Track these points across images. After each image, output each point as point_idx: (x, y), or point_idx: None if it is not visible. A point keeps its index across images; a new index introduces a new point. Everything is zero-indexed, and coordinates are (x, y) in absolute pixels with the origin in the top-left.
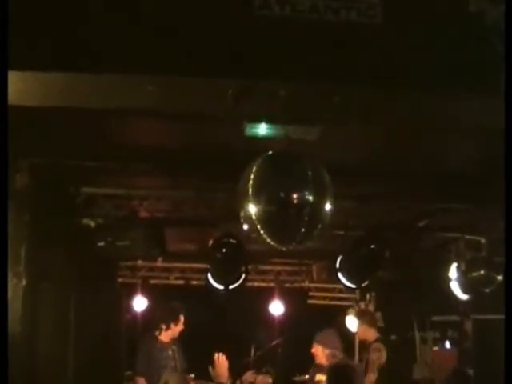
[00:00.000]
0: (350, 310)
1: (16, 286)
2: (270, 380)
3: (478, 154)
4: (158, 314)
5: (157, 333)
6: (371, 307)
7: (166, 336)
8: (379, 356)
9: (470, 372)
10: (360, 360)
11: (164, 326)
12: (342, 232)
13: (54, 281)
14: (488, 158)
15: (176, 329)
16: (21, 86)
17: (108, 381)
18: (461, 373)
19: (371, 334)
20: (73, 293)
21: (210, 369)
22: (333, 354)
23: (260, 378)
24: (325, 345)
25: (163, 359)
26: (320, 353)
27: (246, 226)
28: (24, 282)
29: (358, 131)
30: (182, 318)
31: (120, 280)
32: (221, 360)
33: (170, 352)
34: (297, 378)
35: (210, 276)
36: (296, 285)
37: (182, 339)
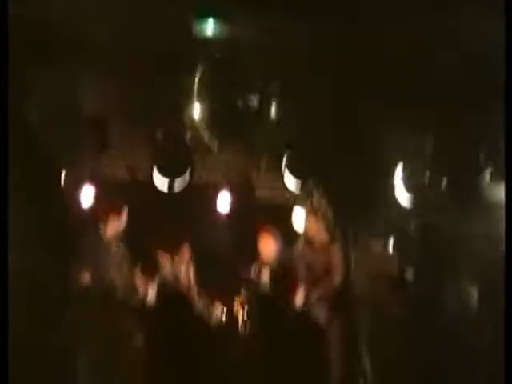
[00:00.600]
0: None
1: None
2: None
3: None
4: (100, 210)
5: (101, 229)
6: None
7: (109, 232)
8: None
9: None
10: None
11: (107, 222)
12: (286, 129)
13: None
14: None
15: (118, 224)
16: None
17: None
18: None
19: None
20: (15, 188)
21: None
22: None
23: None
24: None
25: (108, 255)
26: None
27: (189, 126)
28: None
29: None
30: (123, 214)
31: (66, 170)
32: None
33: (115, 248)
34: None
35: (155, 170)
36: (243, 178)
37: (127, 235)
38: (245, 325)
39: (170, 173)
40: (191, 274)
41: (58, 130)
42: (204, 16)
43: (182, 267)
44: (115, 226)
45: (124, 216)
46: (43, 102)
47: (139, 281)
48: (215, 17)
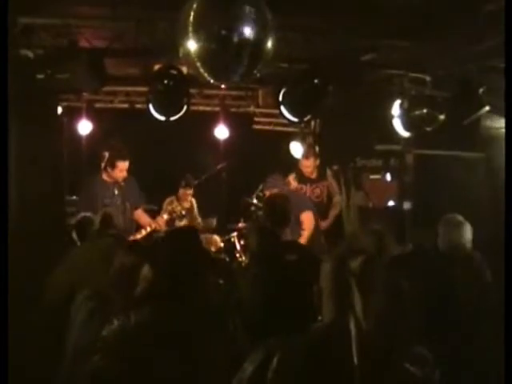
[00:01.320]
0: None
1: None
2: (214, 222)
3: None
4: (99, 154)
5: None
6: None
7: (108, 176)
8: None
9: (408, 204)
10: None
11: (106, 166)
12: (285, 65)
13: None
14: None
15: (114, 172)
16: None
17: (51, 216)
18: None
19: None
20: (12, 124)
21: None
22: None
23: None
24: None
25: (107, 198)
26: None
27: (184, 62)
28: None
29: None
30: (120, 164)
31: (64, 104)
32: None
33: (116, 190)
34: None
35: (151, 107)
36: (241, 110)
37: (135, 172)
38: (241, 256)
39: (166, 105)
40: (195, 207)
41: (56, 63)
42: None
43: (185, 202)
44: (112, 174)
45: (119, 169)
46: (41, 38)
47: (143, 219)
48: None
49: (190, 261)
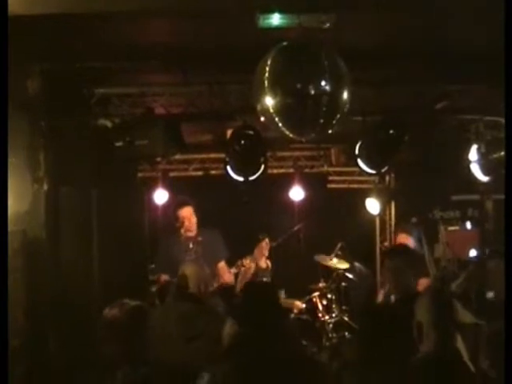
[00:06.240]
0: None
1: (38, 191)
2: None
3: (494, 33)
4: (175, 214)
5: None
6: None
7: (182, 232)
8: None
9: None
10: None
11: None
12: (359, 118)
13: (74, 183)
14: None
15: (184, 226)
16: None
17: (133, 280)
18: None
19: None
20: (94, 194)
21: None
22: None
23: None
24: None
25: (181, 254)
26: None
27: (263, 119)
28: (45, 187)
29: (372, 16)
30: (181, 212)
31: (140, 175)
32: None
33: (191, 245)
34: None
35: (229, 169)
36: (315, 170)
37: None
38: (323, 315)
39: (243, 166)
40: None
41: (134, 130)
42: (268, 11)
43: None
44: (184, 230)
45: (188, 212)
46: (118, 107)
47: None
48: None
49: (270, 315)
